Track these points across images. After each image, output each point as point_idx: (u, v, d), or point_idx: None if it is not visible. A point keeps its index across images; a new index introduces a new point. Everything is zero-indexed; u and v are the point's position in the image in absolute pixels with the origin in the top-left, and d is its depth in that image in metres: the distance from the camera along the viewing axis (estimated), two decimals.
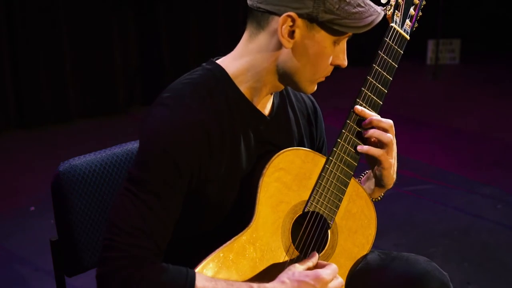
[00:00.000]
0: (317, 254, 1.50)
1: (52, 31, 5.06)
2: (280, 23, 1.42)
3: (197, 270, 1.40)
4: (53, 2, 5.01)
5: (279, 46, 1.45)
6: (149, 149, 1.41)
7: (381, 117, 1.56)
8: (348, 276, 1.59)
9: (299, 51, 1.45)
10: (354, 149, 1.55)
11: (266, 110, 1.57)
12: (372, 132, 1.55)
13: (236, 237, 1.44)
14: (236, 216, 1.50)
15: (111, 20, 5.33)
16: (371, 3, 1.47)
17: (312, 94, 1.61)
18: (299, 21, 1.42)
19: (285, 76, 1.49)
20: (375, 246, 1.65)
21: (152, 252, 1.39)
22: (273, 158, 1.49)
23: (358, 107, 1.55)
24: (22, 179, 4.18)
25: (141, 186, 1.39)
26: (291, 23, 1.42)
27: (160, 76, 5.56)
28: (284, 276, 1.43)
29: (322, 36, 1.44)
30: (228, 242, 1.43)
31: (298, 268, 1.44)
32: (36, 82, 5.06)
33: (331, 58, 1.48)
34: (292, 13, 1.41)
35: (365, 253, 1.62)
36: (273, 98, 1.59)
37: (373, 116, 1.55)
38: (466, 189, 4.00)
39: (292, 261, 1.50)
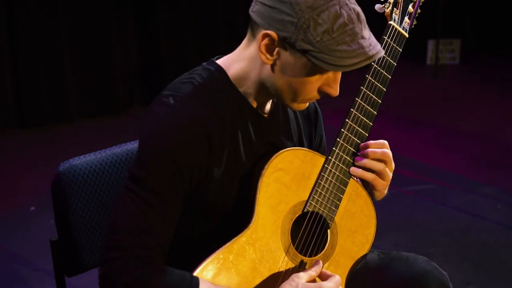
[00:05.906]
0: (321, 263, 1.49)
1: (52, 31, 5.05)
2: (259, 38, 1.39)
3: (197, 271, 1.40)
4: (53, 2, 5.00)
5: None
6: (149, 148, 1.41)
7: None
8: (348, 276, 1.59)
9: (279, 70, 1.41)
10: (354, 149, 1.55)
11: (266, 110, 1.56)
12: (365, 163, 1.55)
13: (236, 238, 1.44)
14: (235, 216, 1.50)
15: (111, 20, 5.32)
16: (367, 43, 1.36)
17: None
18: (278, 42, 1.38)
19: (271, 90, 1.47)
20: (375, 246, 1.65)
21: (154, 251, 1.38)
22: (272, 158, 1.48)
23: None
24: (22, 179, 4.18)
25: (142, 185, 1.39)
26: (269, 42, 1.38)
27: (160, 76, 5.56)
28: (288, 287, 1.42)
29: (304, 63, 1.38)
30: (227, 243, 1.43)
31: (302, 279, 1.43)
32: (36, 82, 5.06)
33: (317, 84, 1.43)
34: (271, 32, 1.37)
35: (365, 252, 1.62)
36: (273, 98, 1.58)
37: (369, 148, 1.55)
38: (466, 189, 3.99)
39: (293, 261, 1.50)
